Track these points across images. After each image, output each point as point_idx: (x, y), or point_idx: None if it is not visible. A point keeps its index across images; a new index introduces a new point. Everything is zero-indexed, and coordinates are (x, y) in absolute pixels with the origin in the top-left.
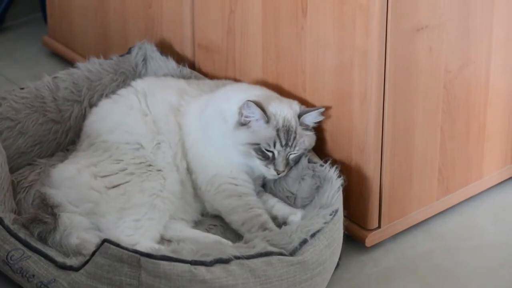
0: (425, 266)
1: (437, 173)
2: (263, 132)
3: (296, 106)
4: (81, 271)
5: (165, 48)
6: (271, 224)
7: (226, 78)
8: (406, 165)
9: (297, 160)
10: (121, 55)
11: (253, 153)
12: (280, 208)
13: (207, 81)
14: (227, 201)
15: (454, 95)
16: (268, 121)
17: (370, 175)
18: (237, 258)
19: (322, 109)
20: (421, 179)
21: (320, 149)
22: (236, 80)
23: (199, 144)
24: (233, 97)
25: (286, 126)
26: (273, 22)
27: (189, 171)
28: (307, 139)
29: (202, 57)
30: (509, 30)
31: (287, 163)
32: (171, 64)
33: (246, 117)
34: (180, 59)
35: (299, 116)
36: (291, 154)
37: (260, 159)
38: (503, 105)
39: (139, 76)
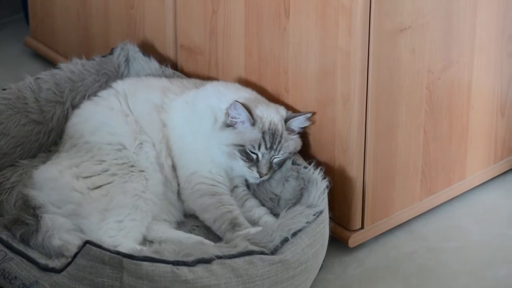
0: (409, 266)
1: (420, 173)
2: (249, 134)
3: (282, 111)
4: (63, 272)
5: (148, 49)
6: (241, 219)
7: (209, 78)
8: (389, 166)
9: (281, 164)
10: (104, 56)
11: (238, 154)
12: (269, 221)
13: (192, 80)
14: (200, 200)
15: (437, 96)
16: (254, 123)
17: (353, 176)
18: (219, 257)
19: (309, 114)
20: (404, 180)
21: (303, 151)
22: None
23: (183, 138)
24: (224, 95)
25: (272, 129)
26: (255, 23)
27: (174, 168)
28: (292, 144)
29: (185, 58)
30: (492, 31)
31: (271, 167)
32: (153, 64)
33: (233, 118)
34: (162, 60)
35: (286, 120)
36: (275, 157)
37: (244, 161)
38: (486, 106)
39: (122, 76)
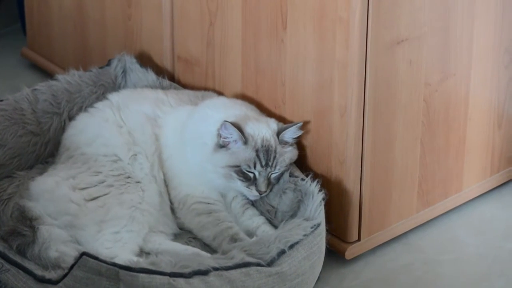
0: (405, 278)
1: (417, 186)
2: (242, 154)
3: (273, 125)
4: (60, 284)
5: (145, 60)
6: (242, 235)
7: (206, 90)
8: (386, 178)
9: (279, 178)
10: (101, 67)
11: (234, 175)
12: (267, 231)
13: (186, 91)
14: (197, 218)
15: (434, 108)
16: (246, 142)
17: (350, 188)
18: (216, 269)
19: (300, 124)
20: (401, 192)
21: (300, 163)
22: (215, 92)
23: (175, 159)
24: (211, 117)
25: (265, 146)
26: (252, 34)
27: (165, 182)
28: (288, 156)
29: (182, 70)
30: (489, 43)
31: (269, 183)
32: (150, 76)
33: (225, 138)
34: (159, 72)
35: (278, 133)
36: (272, 173)
37: (242, 181)
38: (483, 118)
39: (119, 88)
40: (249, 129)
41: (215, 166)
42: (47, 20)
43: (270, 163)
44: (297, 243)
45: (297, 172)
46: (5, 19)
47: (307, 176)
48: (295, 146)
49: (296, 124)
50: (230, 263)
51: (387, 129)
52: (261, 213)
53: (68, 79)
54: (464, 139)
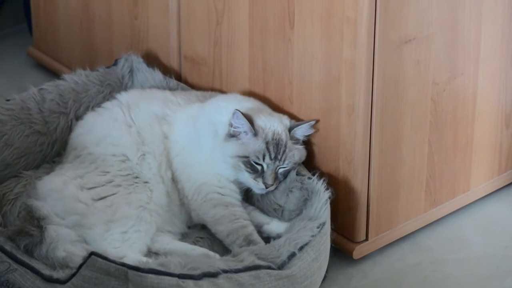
0: (413, 278)
1: (425, 185)
2: (252, 145)
3: (286, 121)
4: (68, 284)
5: (152, 60)
6: (256, 236)
7: (213, 90)
8: (394, 177)
9: (286, 175)
10: (108, 67)
11: (242, 166)
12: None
13: (194, 92)
14: (213, 210)
15: (441, 108)
16: (256, 134)
17: (358, 187)
18: (225, 272)
19: (313, 122)
20: (409, 192)
21: (307, 162)
22: (222, 92)
23: (187, 152)
24: (224, 108)
25: (275, 139)
26: (260, 34)
27: (174, 181)
28: (297, 153)
29: (189, 69)
30: (497, 42)
31: (276, 177)
32: (157, 76)
33: (235, 127)
34: (166, 71)
35: (290, 129)
36: (280, 167)
37: (249, 172)
38: (491, 117)
39: (126, 88)
40: (260, 121)
41: (225, 155)
42: (53, 20)
43: (279, 157)
44: (306, 244)
45: (304, 171)
46: (11, 19)
47: (314, 175)
48: (304, 146)
49: (309, 122)
50: (240, 265)
51: (395, 129)
52: (268, 212)
53: (75, 79)
54: (471, 139)
